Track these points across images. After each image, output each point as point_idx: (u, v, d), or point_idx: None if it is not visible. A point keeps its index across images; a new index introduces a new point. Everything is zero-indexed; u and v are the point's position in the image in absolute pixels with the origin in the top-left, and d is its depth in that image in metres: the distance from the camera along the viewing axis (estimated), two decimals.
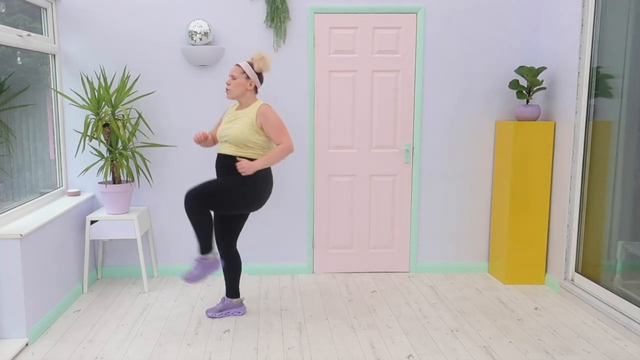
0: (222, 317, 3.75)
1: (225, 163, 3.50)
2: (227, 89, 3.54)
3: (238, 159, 3.45)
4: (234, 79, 3.51)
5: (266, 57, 3.52)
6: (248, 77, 3.51)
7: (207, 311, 3.77)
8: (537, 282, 4.43)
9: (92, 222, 4.14)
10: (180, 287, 4.34)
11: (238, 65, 3.54)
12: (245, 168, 3.39)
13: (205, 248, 3.46)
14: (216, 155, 3.60)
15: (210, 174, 4.51)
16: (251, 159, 3.46)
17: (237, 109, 3.61)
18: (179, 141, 4.49)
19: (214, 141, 3.73)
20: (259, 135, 3.46)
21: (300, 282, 4.48)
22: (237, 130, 3.45)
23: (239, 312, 3.79)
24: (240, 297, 3.89)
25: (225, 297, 3.79)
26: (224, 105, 4.45)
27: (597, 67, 3.91)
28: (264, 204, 3.59)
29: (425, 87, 4.54)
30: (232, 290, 3.77)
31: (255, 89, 3.57)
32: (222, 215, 3.66)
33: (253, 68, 3.53)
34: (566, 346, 3.32)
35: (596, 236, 3.95)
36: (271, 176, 3.59)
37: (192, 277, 3.42)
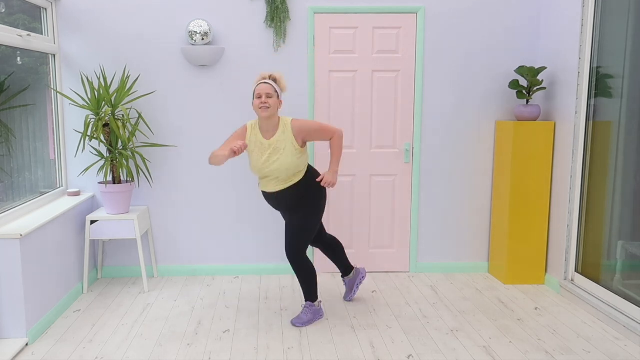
0: (308, 324, 3.66)
1: (284, 196, 3.53)
2: (266, 107, 3.38)
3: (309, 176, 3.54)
4: (270, 97, 3.40)
5: (283, 77, 3.60)
6: (279, 97, 3.48)
7: (293, 321, 3.65)
8: (537, 282, 4.43)
9: (92, 222, 4.14)
10: (180, 287, 4.34)
11: (269, 84, 3.43)
12: (330, 182, 3.53)
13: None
14: (262, 193, 3.64)
15: (209, 173, 4.52)
16: (302, 179, 3.51)
17: (263, 137, 3.49)
18: (179, 141, 4.49)
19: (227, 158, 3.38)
20: (303, 154, 3.48)
21: None
22: (285, 164, 3.42)
23: (321, 316, 3.73)
24: (318, 299, 3.82)
25: (309, 303, 3.69)
26: (223, 105, 4.45)
27: (597, 67, 3.91)
28: (325, 190, 3.66)
29: (425, 87, 4.54)
30: (312, 294, 3.67)
31: None
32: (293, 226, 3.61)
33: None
34: (566, 346, 3.32)
35: (596, 236, 3.95)
36: (312, 171, 3.62)
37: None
